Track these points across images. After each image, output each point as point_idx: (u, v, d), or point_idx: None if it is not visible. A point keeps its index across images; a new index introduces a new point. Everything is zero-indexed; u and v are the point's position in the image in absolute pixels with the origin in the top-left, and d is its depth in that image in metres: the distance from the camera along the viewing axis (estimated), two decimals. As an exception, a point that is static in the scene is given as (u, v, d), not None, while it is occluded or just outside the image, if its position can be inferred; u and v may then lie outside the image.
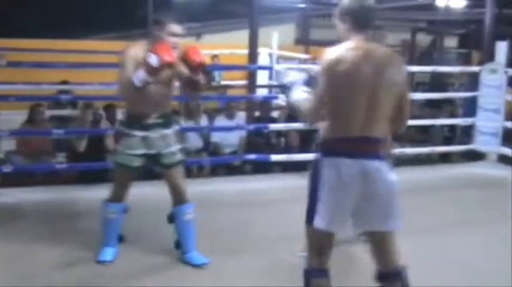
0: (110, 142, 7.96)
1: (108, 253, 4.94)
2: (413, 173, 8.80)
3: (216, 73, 14.50)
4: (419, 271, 4.89)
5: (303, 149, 8.71)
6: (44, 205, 6.57)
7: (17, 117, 8.57)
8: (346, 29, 3.55)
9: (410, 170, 9.17)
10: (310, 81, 3.74)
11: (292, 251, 5.14)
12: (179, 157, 4.92)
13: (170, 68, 4.63)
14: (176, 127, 5.00)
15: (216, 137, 8.78)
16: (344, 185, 3.40)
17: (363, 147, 3.42)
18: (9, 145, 8.22)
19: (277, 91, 9.53)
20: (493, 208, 6.62)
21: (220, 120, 8.94)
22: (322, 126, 3.55)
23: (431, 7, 15.05)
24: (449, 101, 11.64)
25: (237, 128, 8.55)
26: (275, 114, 10.07)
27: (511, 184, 7.61)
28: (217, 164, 8.50)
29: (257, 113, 9.34)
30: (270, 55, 15.32)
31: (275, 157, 8.06)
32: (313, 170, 3.55)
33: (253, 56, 8.72)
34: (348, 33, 3.55)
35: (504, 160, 9.14)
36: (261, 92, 10.86)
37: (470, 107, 9.70)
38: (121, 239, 5.10)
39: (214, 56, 14.66)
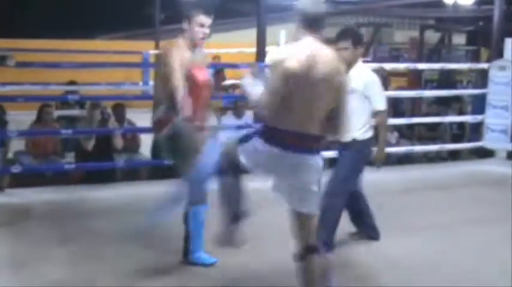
0: (117, 142, 7.98)
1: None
2: (422, 171, 8.79)
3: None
4: (428, 268, 4.92)
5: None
6: (53, 205, 6.58)
7: (26, 117, 8.60)
8: (297, 29, 3.81)
9: (419, 167, 9.16)
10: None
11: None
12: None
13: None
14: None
15: (224, 136, 8.75)
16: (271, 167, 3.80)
17: (298, 142, 3.74)
18: (19, 145, 8.23)
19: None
20: (503, 206, 6.57)
21: (229, 119, 8.92)
22: (268, 114, 3.80)
23: (439, 4, 14.98)
24: (458, 99, 11.60)
25: (245, 127, 8.53)
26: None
27: (521, 181, 7.58)
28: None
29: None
30: (278, 54, 15.25)
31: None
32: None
33: (261, 54, 8.69)
34: (298, 34, 3.79)
35: (513, 157, 9.13)
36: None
37: (479, 105, 9.67)
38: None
39: (215, 57, 14.60)
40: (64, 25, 16.67)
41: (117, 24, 17.34)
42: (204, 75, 4.65)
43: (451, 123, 10.54)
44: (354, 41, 5.12)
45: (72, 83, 11.56)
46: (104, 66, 10.39)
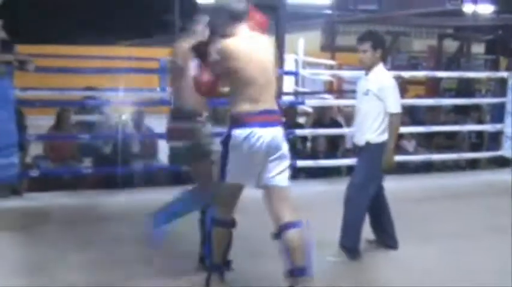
0: (135, 147, 8.01)
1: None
2: (440, 180, 8.73)
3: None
4: (445, 276, 4.88)
5: (330, 154, 8.67)
6: (70, 209, 6.61)
7: (44, 122, 8.64)
8: (227, 24, 4.24)
9: (437, 176, 9.11)
10: None
11: (321, 256, 5.12)
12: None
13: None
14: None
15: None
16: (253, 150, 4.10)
17: (269, 118, 4.17)
18: (37, 149, 8.27)
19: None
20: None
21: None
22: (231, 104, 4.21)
23: (458, 13, 14.92)
24: (476, 107, 11.52)
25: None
26: (301, 120, 10.03)
27: (540, 191, 7.51)
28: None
29: (283, 119, 9.30)
30: (296, 61, 15.29)
31: (301, 163, 8.02)
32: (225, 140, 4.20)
33: (279, 62, 8.69)
34: (230, 27, 4.23)
35: (533, 166, 9.03)
36: (287, 98, 10.83)
37: (498, 113, 9.59)
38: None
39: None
40: (84, 31, 16.78)
41: (137, 30, 17.44)
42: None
43: (469, 132, 10.47)
44: (373, 44, 5.15)
45: (90, 88, 11.60)
46: (122, 72, 10.39)
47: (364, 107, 5.25)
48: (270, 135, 4.14)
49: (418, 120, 10.61)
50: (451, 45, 16.82)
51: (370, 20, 17.78)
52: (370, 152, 5.17)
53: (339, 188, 5.41)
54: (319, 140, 8.81)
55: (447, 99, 11.63)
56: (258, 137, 4.11)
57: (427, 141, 10.06)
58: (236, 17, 4.24)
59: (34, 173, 7.08)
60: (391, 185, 5.68)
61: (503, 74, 9.75)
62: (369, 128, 5.15)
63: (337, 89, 15.41)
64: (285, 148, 4.24)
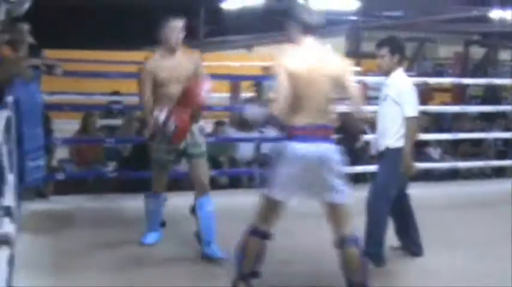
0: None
1: (151, 237, 5.55)
2: (465, 187, 8.67)
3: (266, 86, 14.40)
4: (470, 284, 4.84)
5: (353, 161, 8.62)
6: (95, 212, 6.65)
7: (70, 126, 8.70)
8: (296, 34, 4.20)
9: (463, 184, 9.04)
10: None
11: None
12: (203, 149, 5.29)
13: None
14: (199, 123, 5.39)
15: (266, 148, 8.75)
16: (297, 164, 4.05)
17: (315, 133, 4.10)
18: (63, 153, 8.33)
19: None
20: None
21: (270, 132, 8.90)
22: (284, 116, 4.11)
23: (485, 19, 14.82)
24: (503, 115, 11.42)
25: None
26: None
27: None
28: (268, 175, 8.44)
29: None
30: (321, 67, 15.23)
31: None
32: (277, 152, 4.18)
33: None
34: (298, 37, 4.19)
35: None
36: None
37: (525, 121, 9.50)
38: (163, 224, 5.70)
39: (265, 68, 14.61)
40: (110, 36, 16.88)
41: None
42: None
43: (495, 140, 10.38)
44: (391, 49, 5.15)
45: (115, 93, 11.67)
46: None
47: (384, 112, 5.24)
48: (314, 151, 4.07)
49: (444, 127, 10.55)
50: (477, 52, 16.71)
51: (396, 26, 17.73)
52: (389, 157, 5.16)
53: (363, 194, 5.39)
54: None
55: (473, 107, 11.54)
56: (299, 152, 4.07)
57: (453, 149, 9.99)
58: (306, 29, 4.20)
59: (60, 176, 7.13)
60: (417, 192, 5.65)
61: (531, 81, 9.65)
62: (388, 133, 5.15)
63: (362, 95, 15.37)
64: (337, 164, 4.15)
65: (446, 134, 9.27)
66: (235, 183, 8.32)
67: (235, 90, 13.07)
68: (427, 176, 8.85)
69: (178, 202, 5.86)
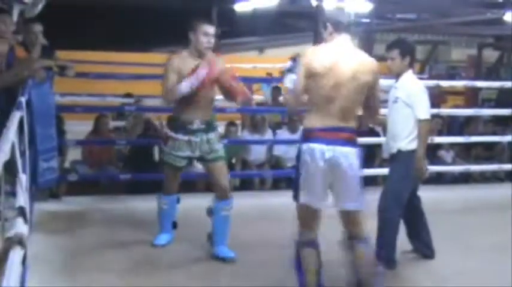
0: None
1: (163, 238, 5.54)
2: (478, 191, 8.65)
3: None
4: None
5: (366, 164, 8.60)
6: (108, 213, 6.68)
7: (83, 127, 8.73)
8: (328, 33, 4.14)
9: (476, 187, 9.01)
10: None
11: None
12: (221, 152, 5.30)
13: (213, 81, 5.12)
14: (218, 131, 5.48)
15: (278, 150, 8.75)
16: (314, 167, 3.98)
17: (335, 135, 4.01)
18: (75, 154, 8.36)
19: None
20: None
21: (283, 134, 8.91)
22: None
23: (498, 22, 14.75)
24: (517, 118, 11.35)
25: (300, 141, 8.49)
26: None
27: None
28: (279, 177, 8.47)
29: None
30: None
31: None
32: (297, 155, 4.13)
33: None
34: (329, 37, 4.13)
35: None
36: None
37: (539, 124, 9.44)
38: (175, 225, 5.64)
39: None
40: (121, 38, 16.92)
41: (174, 37, 17.51)
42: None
43: (509, 143, 10.31)
44: (401, 51, 5.15)
45: (128, 95, 11.71)
46: (159, 78, 10.45)
47: (394, 114, 5.22)
48: (332, 153, 3.96)
49: (454, 130, 10.51)
50: (491, 55, 16.64)
51: (409, 29, 17.68)
52: (401, 160, 5.14)
53: (375, 197, 5.37)
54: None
55: (487, 110, 11.48)
56: (315, 153, 3.97)
57: (466, 152, 9.94)
58: (338, 27, 4.11)
59: (72, 177, 7.16)
60: (429, 195, 5.64)
61: (545, 84, 9.58)
62: (400, 135, 5.13)
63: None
64: (353, 169, 4.03)
65: (459, 137, 9.22)
66: (246, 185, 8.32)
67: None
68: (439, 179, 8.82)
69: (191, 203, 5.87)
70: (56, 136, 6.22)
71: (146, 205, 6.96)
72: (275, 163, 8.68)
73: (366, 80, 4.04)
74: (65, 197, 7.16)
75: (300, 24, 18.56)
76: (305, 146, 4.02)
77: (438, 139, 8.52)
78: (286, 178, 8.35)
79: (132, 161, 8.09)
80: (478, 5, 14.45)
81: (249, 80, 12.41)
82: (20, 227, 2.97)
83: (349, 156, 4.00)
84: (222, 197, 5.20)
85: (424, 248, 5.46)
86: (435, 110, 5.30)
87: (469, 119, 10.57)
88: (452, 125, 10.90)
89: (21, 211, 3.16)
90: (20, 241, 2.66)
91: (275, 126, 9.62)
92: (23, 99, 5.06)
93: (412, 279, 5.12)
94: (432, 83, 8.68)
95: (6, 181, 4.04)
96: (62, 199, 7.10)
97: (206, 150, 5.23)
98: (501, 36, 16.54)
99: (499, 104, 13.47)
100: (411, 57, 5.24)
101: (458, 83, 12.26)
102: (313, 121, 4.05)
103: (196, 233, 5.66)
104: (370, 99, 4.16)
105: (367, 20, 17.08)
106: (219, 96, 5.69)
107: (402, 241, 5.34)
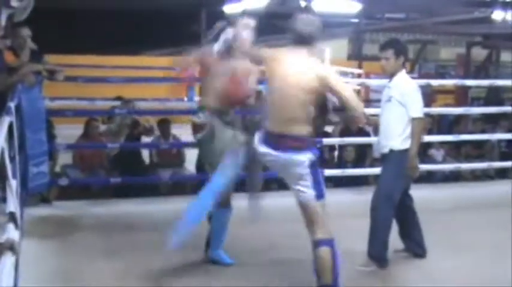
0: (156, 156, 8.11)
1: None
2: (468, 189, 8.68)
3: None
4: (473, 285, 4.83)
5: (358, 164, 8.63)
6: (99, 218, 6.65)
7: (73, 131, 8.71)
8: (288, 42, 4.41)
9: (466, 186, 9.03)
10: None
11: (350, 265, 5.11)
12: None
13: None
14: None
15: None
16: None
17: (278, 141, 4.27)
18: (66, 158, 8.34)
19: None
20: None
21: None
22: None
23: (487, 20, 14.80)
24: (505, 116, 11.39)
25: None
26: (328, 129, 9.99)
27: None
28: (270, 178, 8.45)
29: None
30: (323, 70, 15.22)
31: (329, 172, 7.99)
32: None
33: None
34: (290, 45, 4.40)
35: None
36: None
37: (528, 122, 9.48)
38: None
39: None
40: (111, 41, 16.90)
41: (164, 40, 17.52)
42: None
43: (499, 141, 10.36)
44: (395, 51, 5.18)
45: (119, 98, 11.68)
46: (150, 81, 10.48)
47: (387, 114, 5.24)
48: (275, 158, 4.29)
49: (443, 129, 10.54)
50: (479, 54, 16.70)
51: (398, 29, 17.73)
52: (394, 159, 5.16)
53: (366, 197, 5.39)
54: (346, 149, 8.78)
55: (477, 108, 11.52)
56: (266, 157, 4.35)
57: (456, 151, 9.97)
58: (298, 39, 4.36)
59: (63, 181, 7.13)
60: (420, 194, 5.65)
61: (533, 82, 9.63)
62: (393, 134, 5.15)
63: (364, 98, 15.38)
64: (300, 171, 4.26)
65: (449, 135, 9.25)
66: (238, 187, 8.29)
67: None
68: (430, 178, 8.84)
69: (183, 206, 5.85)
70: (46, 141, 6.21)
71: (138, 208, 6.97)
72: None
73: (315, 88, 4.26)
74: (56, 201, 7.12)
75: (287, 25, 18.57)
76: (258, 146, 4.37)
77: (428, 138, 8.54)
78: (277, 179, 8.36)
79: (121, 164, 8.07)
80: (466, 4, 14.51)
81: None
82: (11, 232, 2.97)
83: (296, 162, 4.24)
84: (224, 205, 5.05)
85: (415, 247, 5.48)
86: (425, 109, 5.32)
87: (459, 118, 10.61)
88: (442, 124, 10.94)
89: (12, 217, 3.15)
90: (11, 247, 2.65)
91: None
92: (12, 104, 5.05)
93: (404, 278, 5.14)
94: (422, 82, 8.72)
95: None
96: (53, 204, 7.06)
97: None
98: (489, 34, 16.62)
99: (488, 102, 13.55)
100: (405, 57, 5.29)
101: (448, 82, 12.31)
102: (266, 123, 4.36)
103: (193, 236, 5.63)
104: (338, 96, 4.36)
105: (356, 20, 17.14)
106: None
107: (394, 240, 5.35)
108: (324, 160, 9.08)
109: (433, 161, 9.23)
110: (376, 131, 5.71)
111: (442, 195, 8.08)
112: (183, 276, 4.95)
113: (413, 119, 5.08)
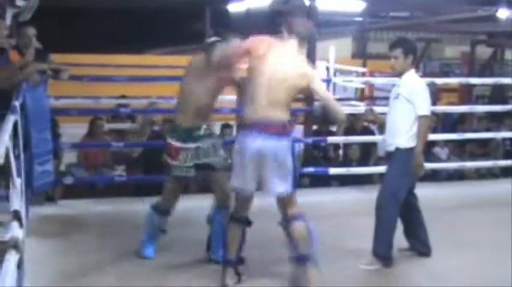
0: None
1: (151, 251, 5.29)
2: (473, 188, 8.66)
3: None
4: (478, 284, 4.82)
5: (363, 162, 8.63)
6: (104, 217, 6.66)
7: (77, 130, 8.73)
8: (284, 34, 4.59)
9: (470, 184, 9.02)
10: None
11: (354, 264, 5.12)
12: (226, 162, 5.10)
13: None
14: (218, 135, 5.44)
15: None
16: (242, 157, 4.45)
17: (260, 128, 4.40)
18: (71, 157, 8.36)
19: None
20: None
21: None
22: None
23: (491, 19, 14.76)
24: (510, 114, 11.37)
25: (295, 141, 8.45)
26: (333, 127, 10.00)
27: None
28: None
29: (315, 127, 9.28)
30: (327, 69, 15.27)
31: (333, 170, 7.99)
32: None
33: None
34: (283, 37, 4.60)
35: None
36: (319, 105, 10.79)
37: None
38: (163, 231, 5.37)
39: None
40: (115, 40, 16.92)
41: (168, 39, 17.54)
42: None
43: (503, 140, 10.34)
44: (404, 50, 5.16)
45: (123, 97, 11.70)
46: (154, 80, 10.48)
47: (394, 111, 5.23)
48: (259, 145, 4.37)
49: (451, 127, 10.53)
50: (484, 52, 16.66)
51: (402, 27, 17.69)
52: (399, 158, 5.15)
53: (371, 196, 5.39)
54: (351, 147, 8.78)
55: (481, 106, 11.51)
56: (244, 145, 4.44)
57: (460, 149, 9.96)
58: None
59: (68, 180, 7.14)
60: (424, 192, 5.64)
61: (538, 80, 9.60)
62: (399, 132, 5.14)
63: (368, 96, 15.37)
64: (282, 158, 4.40)
65: (454, 134, 9.24)
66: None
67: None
68: (434, 176, 8.84)
69: (186, 206, 5.86)
70: (51, 139, 6.22)
71: (144, 207, 6.97)
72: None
73: (297, 84, 4.45)
74: (61, 200, 7.13)
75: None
76: (239, 137, 4.53)
77: (433, 136, 8.53)
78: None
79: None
80: (470, 2, 14.46)
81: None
82: (15, 231, 2.97)
83: (280, 147, 4.39)
84: (224, 206, 5.05)
85: (420, 246, 5.47)
86: (431, 108, 5.31)
87: (463, 116, 10.60)
88: (446, 122, 10.93)
89: (16, 215, 3.15)
90: (15, 245, 2.66)
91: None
92: (17, 103, 5.06)
93: (409, 277, 5.14)
94: (427, 80, 8.69)
95: (1, 185, 4.04)
96: (57, 203, 7.08)
97: (213, 155, 5.05)
98: (494, 33, 16.56)
99: (492, 101, 13.52)
100: (414, 56, 5.27)
101: (452, 80, 12.29)
102: (245, 112, 4.54)
103: (193, 235, 5.65)
104: (315, 93, 4.60)
105: (360, 19, 17.11)
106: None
107: (399, 239, 5.35)
108: (328, 158, 9.10)
109: (437, 159, 9.22)
110: (381, 130, 5.70)
111: (447, 193, 8.08)
112: (185, 276, 4.94)
113: (420, 117, 5.07)
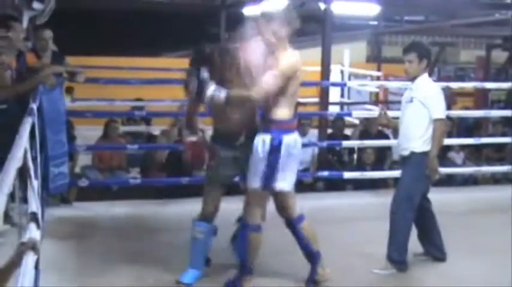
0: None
1: (190, 276, 4.80)
2: (488, 193, 8.61)
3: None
4: None
5: (377, 166, 8.61)
6: (119, 219, 6.69)
7: (93, 132, 8.77)
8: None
9: (486, 189, 8.98)
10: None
11: (369, 268, 5.11)
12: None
13: None
14: None
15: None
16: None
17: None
18: (86, 159, 8.40)
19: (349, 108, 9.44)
20: None
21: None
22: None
23: (507, 22, 14.70)
24: (527, 119, 11.32)
25: (310, 145, 8.49)
26: (348, 131, 9.99)
27: None
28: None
29: (329, 130, 9.28)
30: (342, 72, 15.26)
31: (348, 174, 7.98)
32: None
33: (325, 73, 8.66)
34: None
35: None
36: (333, 109, 10.78)
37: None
38: (208, 262, 4.99)
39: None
40: (131, 43, 16.97)
41: (183, 42, 17.55)
42: None
43: (520, 144, 10.28)
44: (418, 54, 5.14)
45: (138, 99, 11.75)
46: (169, 83, 10.51)
47: (408, 115, 5.21)
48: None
49: (466, 132, 10.48)
50: (499, 56, 16.57)
51: (417, 31, 17.66)
52: (414, 162, 5.13)
53: (385, 200, 5.38)
54: (366, 151, 8.77)
55: (497, 111, 11.45)
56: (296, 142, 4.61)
57: (476, 154, 9.92)
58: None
59: (83, 182, 7.17)
60: (439, 197, 5.63)
61: (554, 85, 9.55)
62: (413, 136, 5.12)
63: (383, 100, 15.34)
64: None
65: (469, 139, 9.20)
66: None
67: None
68: (450, 181, 8.80)
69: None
70: (66, 142, 6.25)
71: (159, 210, 7.00)
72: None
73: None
74: (76, 202, 7.17)
75: (307, 27, 18.56)
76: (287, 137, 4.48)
77: (448, 141, 8.50)
78: (296, 182, 8.34)
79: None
80: (486, 6, 14.41)
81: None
82: (33, 232, 2.99)
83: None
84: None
85: (435, 251, 5.46)
86: (446, 112, 5.30)
87: (479, 121, 10.55)
88: (461, 127, 10.88)
89: (34, 217, 3.17)
90: (33, 246, 2.68)
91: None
92: (34, 106, 5.09)
93: (424, 281, 5.12)
94: (442, 85, 8.67)
95: (19, 187, 4.07)
96: (72, 205, 7.11)
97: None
98: (509, 37, 16.48)
99: (508, 105, 13.43)
100: (428, 61, 5.25)
101: (468, 85, 12.23)
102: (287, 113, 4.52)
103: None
104: None
105: (375, 23, 17.09)
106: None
107: (413, 244, 5.33)
108: (343, 162, 9.09)
109: (452, 164, 9.18)
110: (395, 134, 5.69)
111: (462, 198, 8.04)
112: (202, 280, 4.94)
113: (435, 121, 5.06)
